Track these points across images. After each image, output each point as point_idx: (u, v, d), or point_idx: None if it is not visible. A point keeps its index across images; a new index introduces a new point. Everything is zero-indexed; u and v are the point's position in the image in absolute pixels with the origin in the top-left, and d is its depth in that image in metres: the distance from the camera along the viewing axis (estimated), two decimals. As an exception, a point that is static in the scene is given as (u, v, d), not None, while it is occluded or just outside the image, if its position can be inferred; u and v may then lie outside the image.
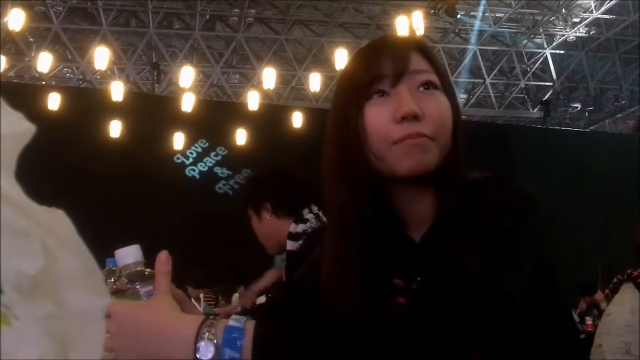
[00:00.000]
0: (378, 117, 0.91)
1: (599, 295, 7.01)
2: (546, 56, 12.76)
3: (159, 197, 7.93)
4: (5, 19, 7.89)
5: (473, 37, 11.84)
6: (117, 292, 0.86)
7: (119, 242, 0.91)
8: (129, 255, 0.87)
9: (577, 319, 5.74)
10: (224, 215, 5.52)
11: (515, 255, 0.82)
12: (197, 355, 0.71)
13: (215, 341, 0.71)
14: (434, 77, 0.94)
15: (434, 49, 10.90)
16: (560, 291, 0.92)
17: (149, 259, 0.89)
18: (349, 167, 0.93)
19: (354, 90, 0.93)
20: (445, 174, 0.91)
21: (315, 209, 2.08)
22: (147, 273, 0.85)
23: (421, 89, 0.92)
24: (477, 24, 11.32)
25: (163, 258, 0.83)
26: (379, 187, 0.94)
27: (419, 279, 0.90)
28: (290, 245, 2.04)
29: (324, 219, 2.03)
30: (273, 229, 2.10)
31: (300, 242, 2.01)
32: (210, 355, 0.71)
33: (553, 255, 0.92)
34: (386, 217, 0.94)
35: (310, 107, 10.55)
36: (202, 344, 0.71)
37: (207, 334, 0.72)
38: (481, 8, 10.70)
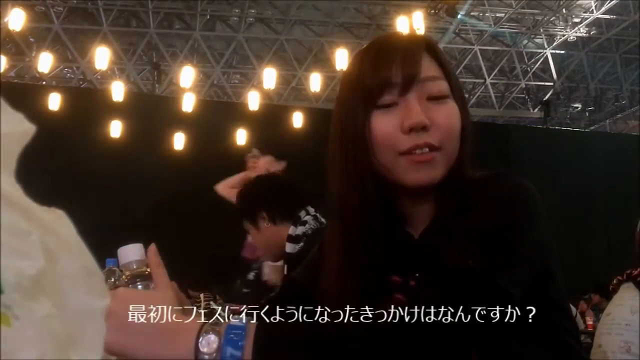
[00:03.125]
0: (386, 126, 0.90)
1: (596, 298, 7.03)
2: (546, 56, 12.75)
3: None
4: (5, 19, 7.88)
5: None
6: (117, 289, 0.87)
7: (119, 242, 0.91)
8: (131, 253, 0.87)
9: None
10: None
11: (512, 253, 0.82)
12: (199, 347, 0.71)
13: (218, 338, 0.72)
14: (444, 85, 0.92)
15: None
16: (558, 288, 0.92)
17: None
18: (354, 169, 0.93)
19: (361, 95, 0.92)
20: (450, 179, 0.92)
21: (312, 210, 2.07)
22: (147, 273, 0.85)
23: (431, 98, 0.91)
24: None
25: (153, 250, 0.84)
26: (382, 187, 0.94)
27: (417, 275, 0.90)
28: (290, 247, 2.03)
29: (322, 219, 2.02)
30: (273, 236, 2.08)
31: (301, 244, 2.00)
32: (211, 349, 0.71)
33: (551, 251, 0.92)
34: (387, 214, 0.95)
35: (311, 107, 10.54)
36: (205, 337, 0.72)
37: (211, 330, 0.73)
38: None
